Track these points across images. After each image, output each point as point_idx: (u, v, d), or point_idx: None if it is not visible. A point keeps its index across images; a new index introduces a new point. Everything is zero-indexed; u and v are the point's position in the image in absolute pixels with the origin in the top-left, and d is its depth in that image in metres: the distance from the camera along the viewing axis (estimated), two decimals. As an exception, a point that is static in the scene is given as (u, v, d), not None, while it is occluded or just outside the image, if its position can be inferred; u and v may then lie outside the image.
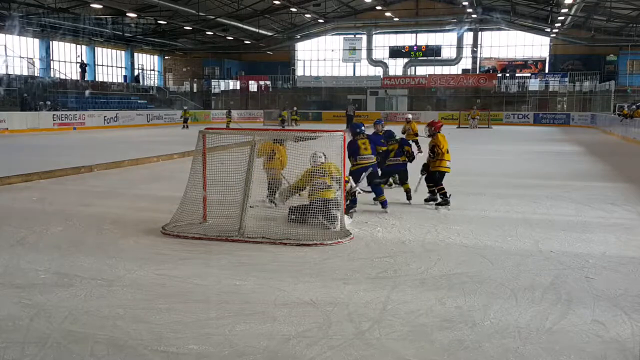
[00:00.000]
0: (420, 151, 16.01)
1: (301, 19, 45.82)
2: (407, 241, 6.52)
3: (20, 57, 34.52)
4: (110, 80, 42.03)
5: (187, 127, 33.21)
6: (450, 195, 8.60)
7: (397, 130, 11.58)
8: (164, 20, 37.21)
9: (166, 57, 49.56)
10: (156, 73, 48.04)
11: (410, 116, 18.56)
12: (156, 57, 47.96)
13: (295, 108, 41.22)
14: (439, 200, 8.63)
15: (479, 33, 46.32)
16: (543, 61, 46.00)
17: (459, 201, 8.85)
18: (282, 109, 38.08)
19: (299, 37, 48.67)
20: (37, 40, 36.15)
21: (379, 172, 8.73)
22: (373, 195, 8.46)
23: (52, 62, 37.29)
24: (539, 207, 8.62)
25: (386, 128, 9.99)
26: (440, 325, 4.06)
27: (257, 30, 41.77)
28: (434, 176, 8.69)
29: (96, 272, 5.25)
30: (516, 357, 3.59)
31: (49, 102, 30.67)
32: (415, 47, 46.98)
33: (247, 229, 6.54)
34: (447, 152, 8.69)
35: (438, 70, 47.50)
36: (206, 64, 51.38)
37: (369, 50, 48.36)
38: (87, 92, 35.48)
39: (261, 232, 6.57)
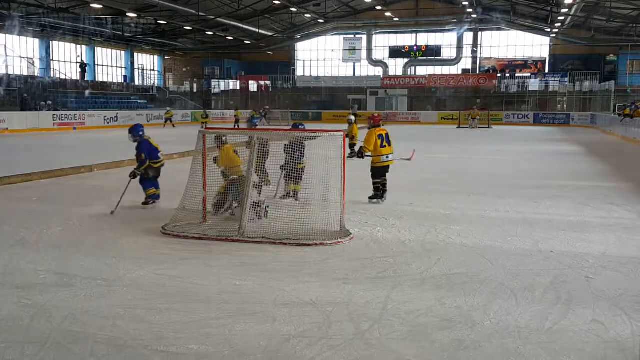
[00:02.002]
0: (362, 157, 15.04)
1: (301, 19, 45.81)
2: (407, 241, 6.52)
3: (20, 57, 34.51)
4: (110, 80, 42.05)
5: (173, 126, 33.73)
6: (383, 193, 8.81)
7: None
8: (164, 20, 37.20)
9: (166, 57, 49.55)
10: (156, 73, 48.04)
11: (352, 117, 15.15)
12: (156, 57, 47.95)
13: (267, 107, 39.34)
14: (372, 194, 8.85)
15: (479, 33, 46.30)
16: (543, 61, 45.98)
17: (459, 201, 8.86)
18: (235, 109, 36.76)
19: (299, 37, 48.66)
20: (37, 40, 36.14)
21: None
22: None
23: (52, 62, 37.27)
24: (539, 207, 8.62)
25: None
26: (440, 325, 4.06)
27: (257, 30, 41.75)
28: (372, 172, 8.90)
29: (96, 272, 5.25)
30: (516, 357, 3.59)
31: (49, 102, 30.68)
32: (415, 47, 46.95)
33: (247, 229, 6.54)
34: (385, 146, 8.78)
35: (438, 70, 47.47)
36: (206, 64, 51.37)
37: (369, 50, 48.33)
38: (87, 92, 35.51)
39: (261, 232, 6.58)
